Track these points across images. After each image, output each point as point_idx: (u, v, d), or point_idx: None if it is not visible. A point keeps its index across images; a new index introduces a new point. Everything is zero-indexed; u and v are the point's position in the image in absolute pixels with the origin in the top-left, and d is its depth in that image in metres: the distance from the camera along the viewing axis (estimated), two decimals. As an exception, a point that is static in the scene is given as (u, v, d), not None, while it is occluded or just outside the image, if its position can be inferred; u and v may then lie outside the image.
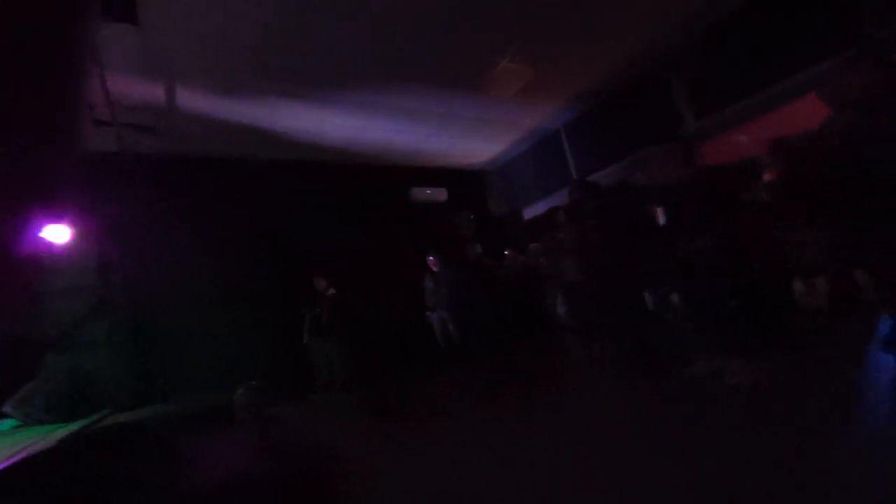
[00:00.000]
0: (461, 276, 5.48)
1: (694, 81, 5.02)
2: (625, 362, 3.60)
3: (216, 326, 4.81)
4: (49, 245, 3.74)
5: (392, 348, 5.60)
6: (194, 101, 4.29)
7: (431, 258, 5.74)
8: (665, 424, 2.21)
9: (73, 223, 3.72)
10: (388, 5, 3.60)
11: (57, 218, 3.67)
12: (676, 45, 4.97)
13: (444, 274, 5.63)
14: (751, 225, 3.24)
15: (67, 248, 3.72)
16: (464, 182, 7.53)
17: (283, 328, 5.14)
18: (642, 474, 1.70)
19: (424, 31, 4.01)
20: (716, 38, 4.70)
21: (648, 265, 4.37)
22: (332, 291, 5.25)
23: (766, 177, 3.90)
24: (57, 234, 3.67)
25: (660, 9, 4.30)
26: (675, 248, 3.32)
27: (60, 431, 2.53)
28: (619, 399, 2.83)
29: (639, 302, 3.99)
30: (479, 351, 5.23)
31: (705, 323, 2.88)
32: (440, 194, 6.83)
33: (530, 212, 7.24)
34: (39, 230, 3.77)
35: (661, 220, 4.03)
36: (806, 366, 2.58)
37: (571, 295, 5.35)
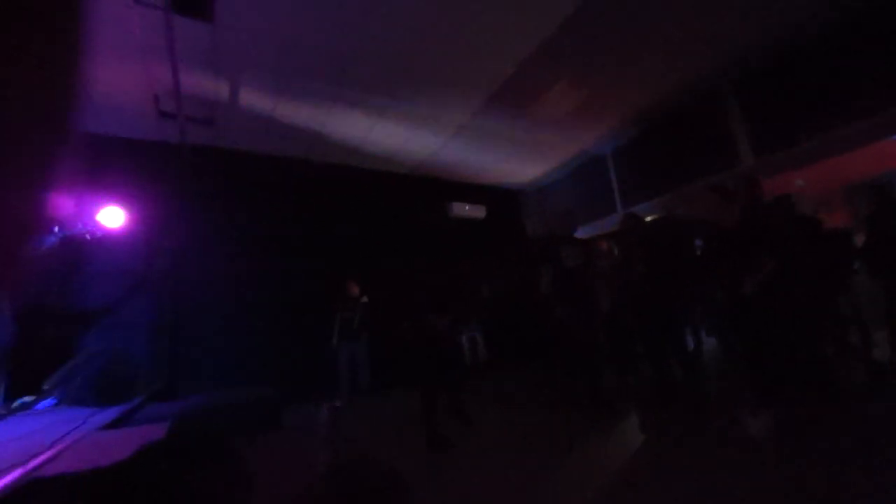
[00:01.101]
0: (498, 295, 5.38)
1: (756, 116, 4.84)
2: (659, 396, 3.43)
3: (249, 321, 4.84)
4: (102, 227, 3.84)
5: (419, 359, 5.50)
6: (254, 98, 4.37)
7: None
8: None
9: (127, 208, 3.80)
10: (451, 23, 3.60)
11: (113, 201, 3.77)
12: (739, 76, 4.81)
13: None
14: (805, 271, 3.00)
15: (120, 232, 3.80)
16: (504, 200, 7.47)
17: (315, 329, 5.12)
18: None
19: (483, 49, 3.99)
20: (783, 70, 4.49)
21: (694, 302, 4.18)
22: (364, 298, 5.21)
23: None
24: (112, 217, 3.75)
25: (722, 35, 4.16)
26: (727, 289, 3.15)
27: (98, 416, 2.51)
28: (656, 437, 2.64)
29: (679, 337, 3.81)
30: (509, 370, 5.08)
31: (761, 368, 2.69)
32: (479, 211, 6.77)
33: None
34: (95, 212, 3.87)
35: (710, 257, 3.87)
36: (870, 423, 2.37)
37: (609, 324, 5.18)
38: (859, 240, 3.88)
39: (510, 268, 6.60)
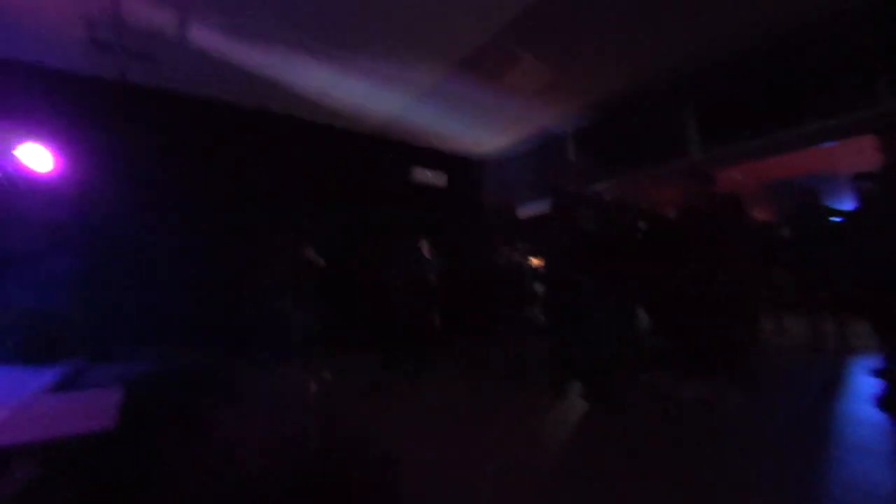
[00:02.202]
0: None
1: (707, 110, 5.13)
2: (593, 371, 3.66)
3: (188, 280, 4.57)
4: (21, 167, 3.39)
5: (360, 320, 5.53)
6: (206, 37, 3.94)
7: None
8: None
9: (50, 147, 3.35)
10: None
11: (38, 139, 3.32)
12: (696, 70, 5.03)
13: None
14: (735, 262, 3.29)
15: (44, 175, 3.37)
16: (464, 168, 7.45)
17: (253, 288, 4.95)
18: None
19: (459, 12, 3.85)
20: (737, 70, 4.74)
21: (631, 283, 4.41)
22: (307, 255, 5.07)
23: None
24: (34, 156, 3.31)
25: (690, 29, 4.29)
26: (665, 273, 3.32)
27: (35, 378, 2.35)
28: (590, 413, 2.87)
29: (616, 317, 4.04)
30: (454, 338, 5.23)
31: (694, 348, 2.97)
32: (440, 178, 6.72)
33: (524, 210, 7.27)
34: (12, 148, 3.40)
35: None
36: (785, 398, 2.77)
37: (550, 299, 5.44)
38: (783, 233, 4.35)
39: (475, 238, 6.68)
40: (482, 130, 6.61)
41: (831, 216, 4.05)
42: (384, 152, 6.45)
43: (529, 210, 7.12)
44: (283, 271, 4.97)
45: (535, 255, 6.62)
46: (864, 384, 2.83)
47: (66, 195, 3.61)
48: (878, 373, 2.65)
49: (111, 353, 3.66)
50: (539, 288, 6.60)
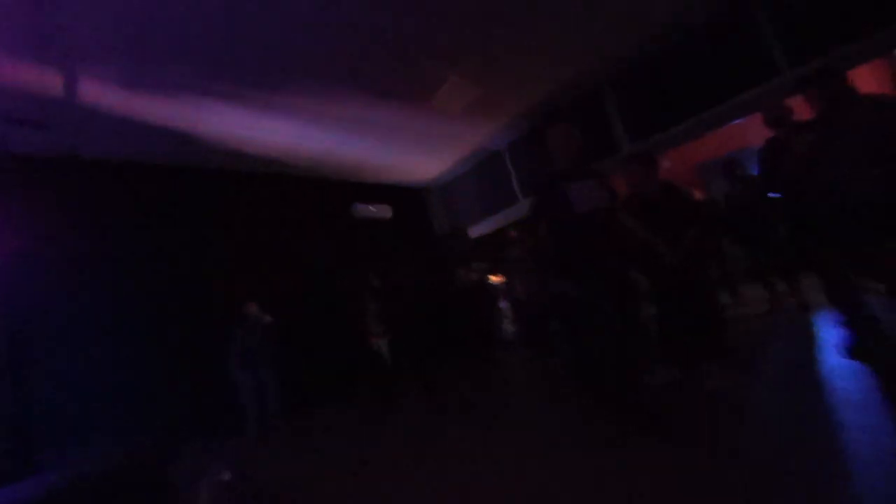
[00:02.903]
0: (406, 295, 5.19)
1: (628, 107, 5.37)
2: (574, 377, 3.48)
3: (116, 365, 4.01)
4: None
5: (332, 375, 5.10)
6: (100, 93, 3.60)
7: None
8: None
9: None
10: (341, 12, 3.36)
11: None
12: (615, 76, 5.29)
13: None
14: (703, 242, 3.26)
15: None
16: (407, 199, 7.31)
17: (201, 362, 4.44)
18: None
19: (375, 41, 3.81)
20: (649, 66, 5.04)
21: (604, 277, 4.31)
22: (266, 318, 4.66)
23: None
24: None
25: (600, 36, 4.53)
26: (641, 263, 3.21)
27: None
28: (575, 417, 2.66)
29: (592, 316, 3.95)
30: (423, 372, 4.92)
31: (675, 334, 2.87)
32: (384, 211, 6.52)
33: (476, 230, 7.20)
34: None
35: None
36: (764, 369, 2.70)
37: (521, 311, 5.31)
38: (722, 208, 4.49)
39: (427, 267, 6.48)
40: (421, 156, 6.55)
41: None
42: (321, 193, 6.19)
43: (482, 228, 7.07)
44: (228, 337, 4.49)
45: (496, 272, 6.51)
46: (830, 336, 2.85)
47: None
48: (842, 324, 2.65)
49: (28, 467, 3.06)
50: (504, 304, 6.47)
